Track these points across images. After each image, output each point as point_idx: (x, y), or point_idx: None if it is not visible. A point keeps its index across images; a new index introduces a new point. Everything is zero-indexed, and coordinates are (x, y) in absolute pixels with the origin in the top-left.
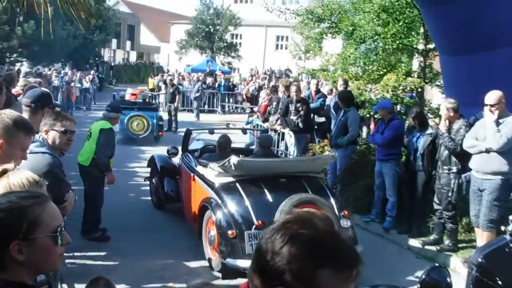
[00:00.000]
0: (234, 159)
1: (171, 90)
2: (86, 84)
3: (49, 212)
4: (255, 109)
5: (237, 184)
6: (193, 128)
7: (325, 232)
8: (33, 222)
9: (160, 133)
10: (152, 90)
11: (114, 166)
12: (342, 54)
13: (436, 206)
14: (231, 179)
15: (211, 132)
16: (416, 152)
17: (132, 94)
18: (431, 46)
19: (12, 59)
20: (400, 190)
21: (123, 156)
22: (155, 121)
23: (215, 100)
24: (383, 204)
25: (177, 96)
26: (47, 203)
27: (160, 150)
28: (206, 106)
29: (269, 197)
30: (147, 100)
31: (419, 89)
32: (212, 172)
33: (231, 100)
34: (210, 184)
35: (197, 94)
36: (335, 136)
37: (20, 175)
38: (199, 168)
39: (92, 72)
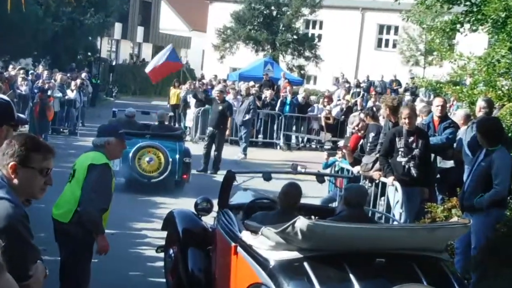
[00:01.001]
0: (302, 222)
1: (219, 109)
2: (71, 94)
3: None
4: (340, 143)
5: (305, 264)
6: (238, 170)
7: None
8: None
9: (184, 175)
10: (175, 107)
11: (110, 225)
12: (487, 58)
13: None
14: (296, 255)
15: (267, 178)
16: None
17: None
18: None
19: None
20: None
21: (125, 210)
22: (177, 156)
23: (275, 126)
24: None
25: (227, 120)
26: (1, 276)
27: (184, 204)
28: (260, 136)
29: (356, 286)
30: (166, 122)
31: None
32: (266, 242)
33: (301, 128)
34: (261, 262)
35: (247, 117)
36: (471, 192)
37: None
38: (245, 235)
39: (82, 75)
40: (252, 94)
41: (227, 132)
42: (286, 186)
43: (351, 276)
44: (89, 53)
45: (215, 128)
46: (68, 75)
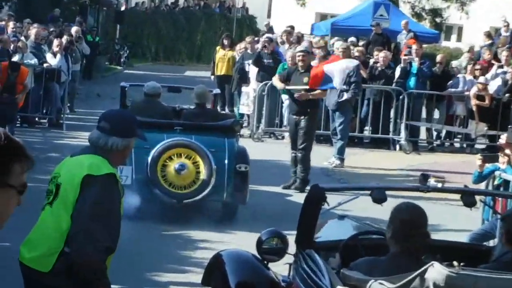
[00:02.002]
0: (438, 271)
1: (304, 82)
2: (53, 60)
3: None
4: (502, 140)
5: None
6: (331, 185)
7: None
8: None
9: (239, 193)
10: (224, 79)
11: (115, 277)
12: None
13: None
14: None
15: (379, 198)
16: None
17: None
18: None
19: None
20: None
21: (140, 251)
22: (226, 161)
23: (391, 113)
24: None
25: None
26: None
27: (239, 242)
28: (366, 129)
29: None
30: (208, 106)
31: None
32: None
33: (436, 112)
34: None
35: (345, 97)
36: None
37: None
38: None
39: (72, 29)
40: (356, 58)
41: (304, 97)
42: (403, 210)
43: None
44: None
45: (299, 115)
46: (51, 29)
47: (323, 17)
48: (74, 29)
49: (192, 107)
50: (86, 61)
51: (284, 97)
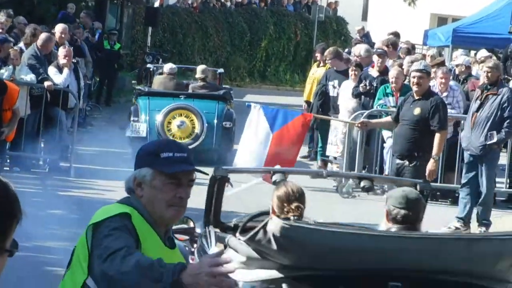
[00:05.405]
0: (275, 223)
1: (414, 114)
2: (58, 78)
3: None
4: None
5: (285, 287)
6: (232, 168)
7: None
8: None
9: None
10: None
11: None
12: None
13: None
14: (272, 274)
15: (276, 182)
16: None
17: None
18: None
19: None
20: None
21: None
22: (215, 121)
23: None
24: None
25: (439, 138)
26: None
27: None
28: (502, 182)
29: None
30: (208, 79)
31: None
32: (235, 258)
33: None
34: None
35: (493, 139)
36: None
37: None
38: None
39: (57, 27)
40: (502, 81)
41: (431, 169)
42: (281, 188)
43: None
44: None
45: (408, 158)
46: (53, 30)
47: (441, 20)
48: (59, 28)
49: (199, 83)
50: (106, 78)
51: (386, 134)
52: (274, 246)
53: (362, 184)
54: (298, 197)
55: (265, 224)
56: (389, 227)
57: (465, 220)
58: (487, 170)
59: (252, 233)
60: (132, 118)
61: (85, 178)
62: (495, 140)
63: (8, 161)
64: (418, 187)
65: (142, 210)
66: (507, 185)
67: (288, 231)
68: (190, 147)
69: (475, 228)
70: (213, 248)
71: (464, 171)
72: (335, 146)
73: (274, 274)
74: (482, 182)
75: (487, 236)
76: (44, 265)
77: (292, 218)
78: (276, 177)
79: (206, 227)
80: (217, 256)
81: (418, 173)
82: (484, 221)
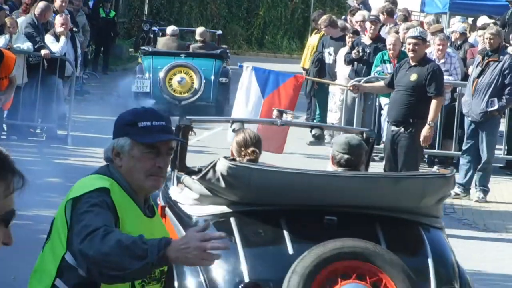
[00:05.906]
0: (222, 164)
1: (411, 80)
2: (55, 46)
3: None
4: None
5: (232, 221)
6: (196, 117)
7: None
8: None
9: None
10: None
11: None
12: None
13: None
14: (222, 209)
15: (236, 130)
16: None
17: None
18: None
19: None
20: None
21: None
22: (212, 77)
23: None
24: None
25: (436, 104)
26: None
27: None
28: (500, 149)
29: (289, 249)
30: (206, 40)
31: None
32: (190, 195)
33: None
34: (184, 220)
35: (495, 106)
36: None
37: None
38: (173, 191)
39: None
40: (503, 48)
41: (426, 135)
42: (239, 134)
43: (286, 238)
44: None
45: (403, 125)
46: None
47: None
48: None
49: (197, 44)
50: (102, 46)
51: (384, 101)
52: (222, 184)
53: (313, 132)
54: (254, 142)
55: (214, 165)
56: (334, 170)
57: (466, 186)
58: (488, 137)
59: (203, 172)
60: (137, 75)
61: (82, 146)
62: (496, 107)
63: (5, 129)
64: (364, 134)
65: (122, 180)
66: (505, 152)
67: (234, 170)
68: (189, 100)
69: (473, 194)
70: (173, 187)
71: (465, 137)
72: (335, 113)
73: (224, 209)
74: (483, 148)
75: (413, 175)
76: (41, 233)
77: (238, 159)
78: (235, 126)
79: (172, 172)
80: (202, 230)
81: (413, 140)
82: (482, 187)
